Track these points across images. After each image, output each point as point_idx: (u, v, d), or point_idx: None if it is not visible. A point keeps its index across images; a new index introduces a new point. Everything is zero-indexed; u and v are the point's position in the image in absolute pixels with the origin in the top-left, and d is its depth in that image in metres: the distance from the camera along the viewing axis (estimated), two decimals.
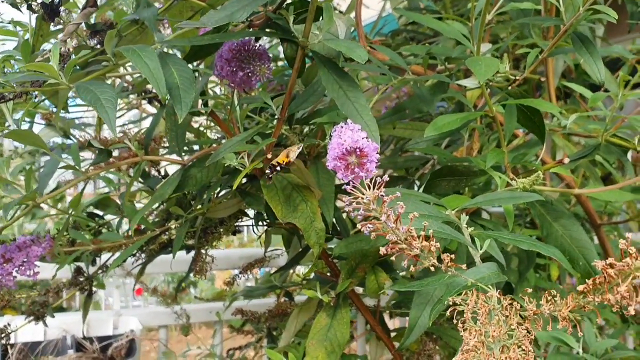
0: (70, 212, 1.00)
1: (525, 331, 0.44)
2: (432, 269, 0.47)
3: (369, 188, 0.44)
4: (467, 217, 0.75)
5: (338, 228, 1.08)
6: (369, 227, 0.45)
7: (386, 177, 0.46)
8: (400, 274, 1.12)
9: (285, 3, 0.75)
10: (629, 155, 1.02)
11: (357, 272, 1.03)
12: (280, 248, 1.54)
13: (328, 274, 1.12)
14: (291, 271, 1.61)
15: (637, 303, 0.35)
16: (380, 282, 1.02)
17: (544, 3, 1.20)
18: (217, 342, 1.96)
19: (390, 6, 1.72)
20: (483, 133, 1.15)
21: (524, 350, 0.42)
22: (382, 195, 0.44)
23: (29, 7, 0.81)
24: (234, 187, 0.77)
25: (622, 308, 0.36)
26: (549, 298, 0.43)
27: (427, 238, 0.47)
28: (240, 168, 0.79)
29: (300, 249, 1.19)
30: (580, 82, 1.52)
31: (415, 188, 1.26)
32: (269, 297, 1.85)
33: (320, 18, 0.71)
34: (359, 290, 1.26)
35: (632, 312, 0.35)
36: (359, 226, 0.45)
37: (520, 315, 0.46)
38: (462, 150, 1.19)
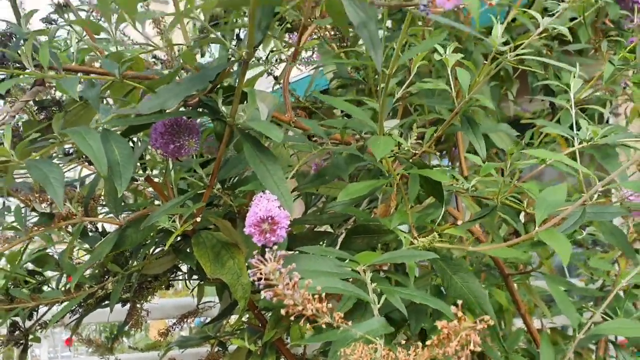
0: (8, 269, 1.05)
1: None
2: (324, 325, 0.57)
3: (270, 261, 0.54)
4: (376, 272, 0.86)
5: None
6: (269, 294, 0.55)
7: (283, 252, 0.56)
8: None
9: (216, 88, 0.86)
10: (521, 216, 1.16)
11: (282, 322, 1.12)
12: (214, 299, 1.61)
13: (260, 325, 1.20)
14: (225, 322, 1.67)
15: (467, 357, 0.46)
16: (303, 332, 1.12)
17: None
18: None
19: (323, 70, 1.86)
20: (400, 192, 1.28)
21: None
22: (279, 269, 0.54)
23: None
24: (167, 247, 0.86)
25: None
26: (413, 349, 0.54)
27: (321, 300, 0.57)
28: (172, 230, 0.89)
29: (231, 302, 1.27)
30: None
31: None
32: (203, 347, 1.89)
33: (245, 101, 0.83)
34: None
35: None
36: (262, 293, 0.55)
37: None
38: (382, 208, 1.32)
